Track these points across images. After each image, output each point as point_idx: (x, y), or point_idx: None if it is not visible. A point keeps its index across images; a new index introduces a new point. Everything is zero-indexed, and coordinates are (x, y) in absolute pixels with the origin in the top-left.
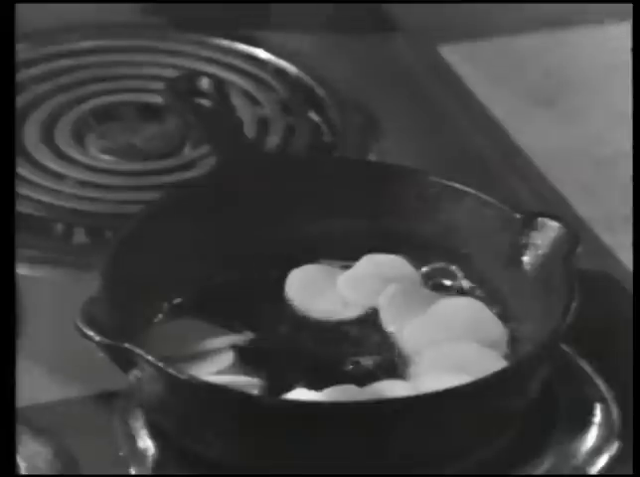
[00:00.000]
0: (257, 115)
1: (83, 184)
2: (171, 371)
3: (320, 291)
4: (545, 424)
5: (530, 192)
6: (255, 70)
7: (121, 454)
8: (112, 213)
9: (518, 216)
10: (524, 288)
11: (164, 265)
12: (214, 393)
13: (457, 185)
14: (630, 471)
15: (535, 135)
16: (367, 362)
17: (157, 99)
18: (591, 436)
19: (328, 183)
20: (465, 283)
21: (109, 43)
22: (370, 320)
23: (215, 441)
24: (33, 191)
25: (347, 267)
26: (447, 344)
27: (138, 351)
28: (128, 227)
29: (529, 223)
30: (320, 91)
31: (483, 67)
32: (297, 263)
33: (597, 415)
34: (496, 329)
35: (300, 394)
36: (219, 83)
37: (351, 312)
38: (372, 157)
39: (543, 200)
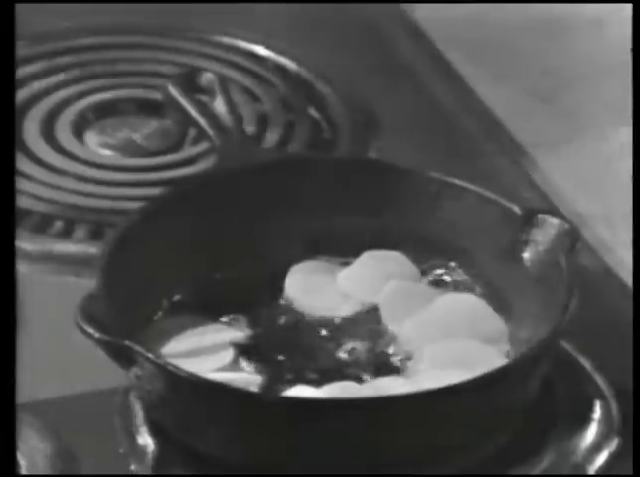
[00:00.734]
0: (257, 112)
1: (83, 179)
2: (171, 368)
3: (320, 288)
4: (544, 421)
5: (530, 188)
6: (256, 66)
7: (121, 451)
8: (112, 208)
9: (518, 212)
10: (524, 285)
11: (164, 262)
12: (214, 389)
13: (457, 181)
14: (630, 468)
15: (535, 132)
16: (367, 358)
17: (157, 96)
18: (591, 433)
19: (328, 180)
20: (465, 280)
21: (109, 39)
22: (370, 317)
23: (215, 438)
24: (32, 186)
25: (347, 264)
26: (447, 340)
27: (138, 348)
28: (128, 223)
29: (529, 219)
30: (320, 88)
31: (483, 64)
32: (297, 260)
33: (597, 412)
34: (496, 325)
35: (300, 390)
36: (219, 80)
37: (351, 309)
38: (371, 154)
39: (543, 196)
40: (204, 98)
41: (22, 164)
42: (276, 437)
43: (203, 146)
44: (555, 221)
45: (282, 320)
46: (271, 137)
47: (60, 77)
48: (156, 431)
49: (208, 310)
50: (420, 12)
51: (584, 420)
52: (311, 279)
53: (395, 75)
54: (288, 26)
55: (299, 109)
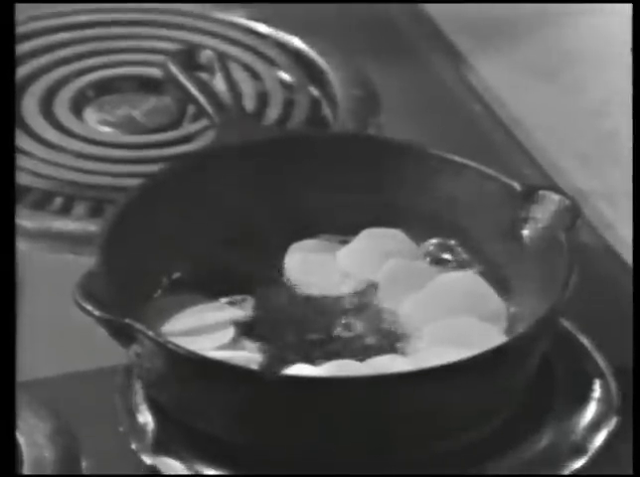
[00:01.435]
0: (257, 89)
1: (82, 156)
2: (171, 346)
3: (320, 266)
4: (543, 400)
5: (530, 165)
6: (256, 43)
7: (121, 429)
8: (112, 185)
9: (518, 189)
10: (524, 262)
11: (163, 240)
12: (214, 368)
13: (457, 158)
14: (629, 447)
15: (535, 108)
16: (366, 336)
17: (157, 73)
18: (590, 412)
19: (327, 157)
20: (465, 257)
21: (109, 16)
22: (369, 295)
23: (215, 417)
24: (32, 163)
25: (346, 242)
26: (447, 319)
27: (138, 326)
28: (127, 200)
29: (529, 196)
30: (320, 66)
31: (483, 41)
32: (296, 238)
33: (596, 391)
34: (495, 303)
35: (300, 368)
36: (219, 57)
37: (350, 287)
38: (371, 131)
39: (543, 173)
40: (203, 76)
41: (21, 141)
42: (276, 416)
43: (202, 123)
44: (555, 197)
45: (282, 298)
46: (271, 114)
47: (59, 54)
48: (156, 410)
49: (207, 288)
50: None
51: (583, 399)
52: (310, 258)
53: (394, 52)
54: (288, 4)
55: (299, 87)
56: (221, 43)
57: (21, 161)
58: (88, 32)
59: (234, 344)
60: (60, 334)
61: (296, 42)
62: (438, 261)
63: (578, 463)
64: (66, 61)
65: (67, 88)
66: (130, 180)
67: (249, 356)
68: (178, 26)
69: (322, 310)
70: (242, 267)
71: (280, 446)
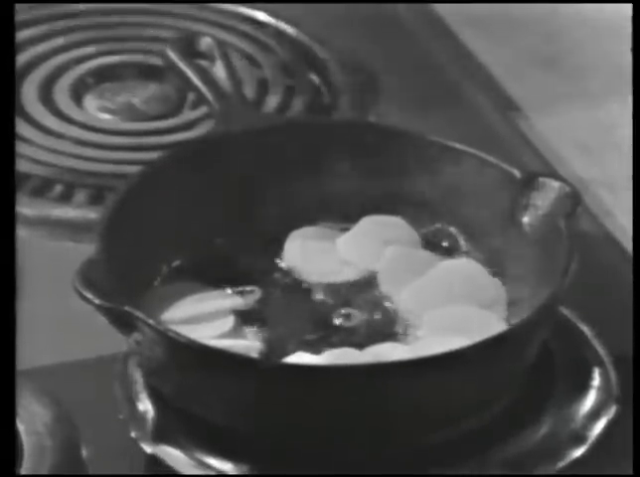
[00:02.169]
0: (257, 77)
1: (82, 143)
2: (171, 334)
3: (319, 253)
4: (543, 388)
5: (530, 153)
6: (256, 32)
7: (121, 417)
8: (111, 172)
9: (518, 176)
10: (523, 249)
11: (163, 227)
12: (214, 356)
13: (457, 145)
14: (629, 435)
15: (535, 96)
16: (366, 324)
17: (157, 60)
18: (590, 400)
19: (327, 144)
20: (464, 244)
21: (109, 4)
22: (369, 282)
23: (215, 405)
24: (31, 150)
25: (346, 229)
26: (446, 306)
27: (138, 314)
28: (127, 187)
29: (529, 183)
30: (320, 53)
31: (484, 30)
32: (296, 226)
33: (596, 379)
34: (495, 291)
35: (300, 357)
36: (219, 44)
37: (350, 274)
38: (371, 118)
39: (543, 161)
40: (203, 63)
41: (21, 128)
42: (276, 404)
43: (202, 111)
44: (555, 184)
45: (282, 286)
46: (271, 102)
47: (59, 41)
48: (156, 398)
49: (207, 276)
50: None
51: (583, 387)
52: (310, 245)
53: (395, 40)
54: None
55: (299, 74)
56: (221, 31)
57: (21, 148)
58: (89, 19)
59: (234, 332)
60: (59, 322)
61: (295, 30)
62: (438, 249)
63: (578, 451)
64: (65, 48)
65: (66, 76)
66: (130, 167)
67: (249, 344)
68: (178, 14)
69: (321, 298)
70: (242, 255)
71: (280, 434)
